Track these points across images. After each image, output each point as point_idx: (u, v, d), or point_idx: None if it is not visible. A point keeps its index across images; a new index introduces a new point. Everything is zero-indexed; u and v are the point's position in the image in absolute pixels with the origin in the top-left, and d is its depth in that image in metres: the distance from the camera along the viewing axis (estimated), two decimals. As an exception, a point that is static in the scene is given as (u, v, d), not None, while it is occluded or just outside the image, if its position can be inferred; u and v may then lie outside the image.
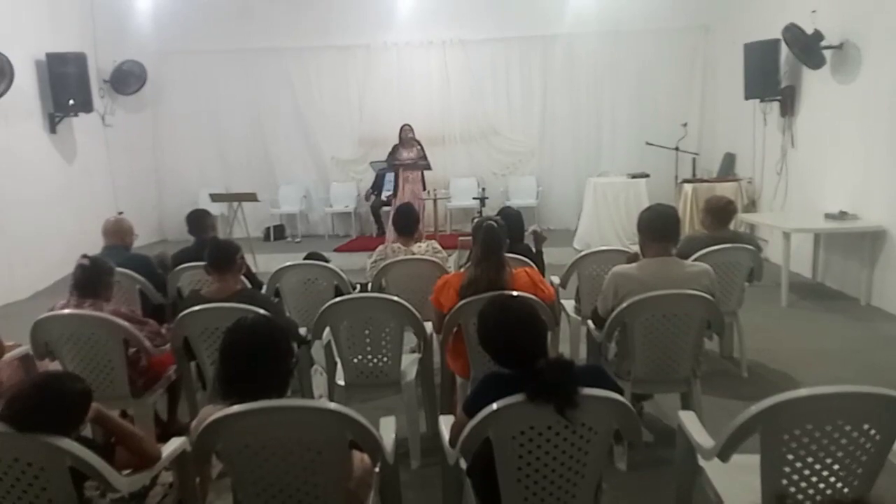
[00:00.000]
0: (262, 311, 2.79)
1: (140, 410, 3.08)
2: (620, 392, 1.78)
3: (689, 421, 2.06)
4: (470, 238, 3.06)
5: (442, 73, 9.19)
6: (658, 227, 2.88)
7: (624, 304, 2.73)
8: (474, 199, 8.31)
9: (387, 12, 9.02)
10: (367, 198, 9.18)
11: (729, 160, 8.06)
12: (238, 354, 1.84)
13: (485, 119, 9.32)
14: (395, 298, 3.04)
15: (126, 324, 2.92)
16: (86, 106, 7.75)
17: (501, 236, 2.91)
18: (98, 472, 1.73)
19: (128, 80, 8.65)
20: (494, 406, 1.70)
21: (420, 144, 8.19)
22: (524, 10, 8.96)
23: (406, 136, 8.13)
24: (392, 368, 3.13)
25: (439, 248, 4.11)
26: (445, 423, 2.14)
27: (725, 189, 7.05)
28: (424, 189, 7.74)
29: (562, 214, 9.25)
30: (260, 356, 1.84)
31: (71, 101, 7.56)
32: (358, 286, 4.12)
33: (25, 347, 3.16)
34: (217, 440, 1.74)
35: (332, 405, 1.76)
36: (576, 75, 9.10)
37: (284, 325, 2.15)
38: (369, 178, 9.32)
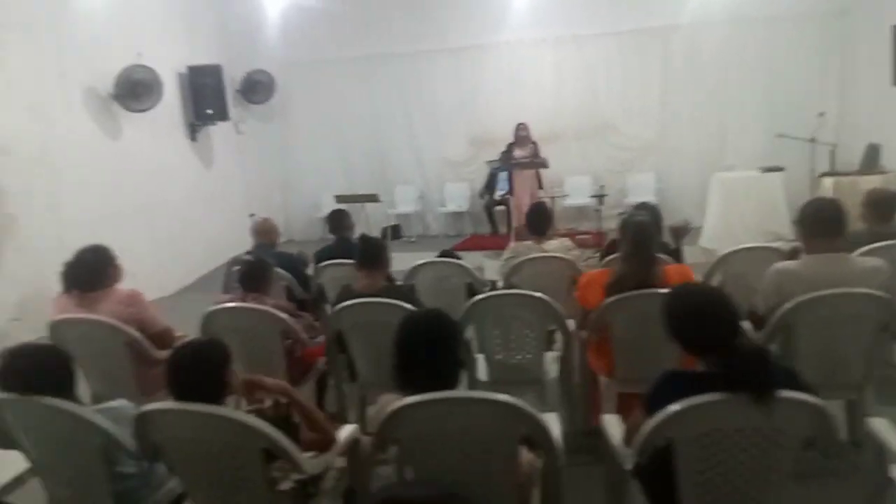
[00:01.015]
0: (407, 306, 2.88)
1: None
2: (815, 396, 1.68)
3: (883, 428, 1.92)
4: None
5: (555, 70, 9.09)
6: (824, 221, 2.71)
7: (790, 304, 2.58)
8: (592, 196, 8.17)
9: (500, 12, 9.02)
10: (480, 196, 9.24)
11: (872, 151, 7.44)
12: (416, 345, 1.90)
13: (599, 115, 9.13)
14: (540, 295, 3.03)
15: (286, 316, 3.10)
16: (222, 115, 8.30)
17: (652, 232, 2.85)
18: (289, 454, 1.84)
19: (256, 89, 9.16)
20: (679, 405, 1.66)
21: (534, 143, 8.16)
22: (640, 1, 8.71)
23: (520, 135, 8.14)
24: (534, 365, 3.13)
25: (572, 245, 4.07)
26: (610, 423, 2.11)
27: (871, 183, 6.51)
28: (541, 187, 7.69)
29: (683, 211, 8.85)
30: (437, 347, 1.89)
31: (209, 111, 8.11)
32: (490, 284, 4.16)
33: (193, 337, 3.42)
34: (397, 428, 1.81)
35: (510, 399, 1.78)
36: (698, 67, 8.72)
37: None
38: (481, 177, 9.37)
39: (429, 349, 1.89)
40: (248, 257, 3.24)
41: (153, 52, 7.27)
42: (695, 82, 8.77)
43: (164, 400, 3.19)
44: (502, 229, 8.87)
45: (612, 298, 2.79)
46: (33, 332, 5.97)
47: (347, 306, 3.00)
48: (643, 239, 2.79)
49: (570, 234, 7.62)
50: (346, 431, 2.19)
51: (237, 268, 4.28)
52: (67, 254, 6.19)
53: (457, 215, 9.63)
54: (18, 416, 2.06)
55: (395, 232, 9.68)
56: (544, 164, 7.62)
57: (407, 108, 9.71)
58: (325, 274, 4.22)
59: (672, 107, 8.91)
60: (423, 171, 9.86)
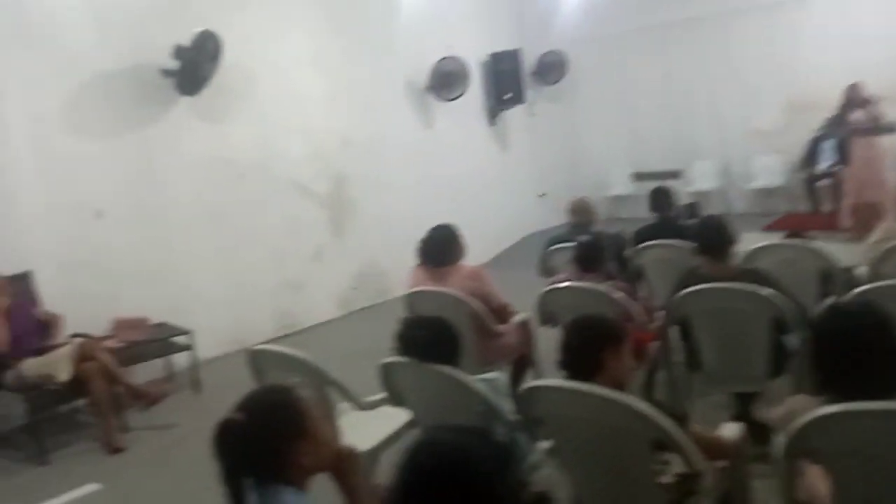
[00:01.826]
0: (771, 292, 2.58)
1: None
2: None
3: None
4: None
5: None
6: None
7: None
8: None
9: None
10: (800, 170, 8.14)
11: None
12: (849, 340, 1.64)
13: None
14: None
15: (622, 297, 3.01)
16: (519, 98, 8.53)
17: None
18: (682, 448, 1.73)
19: (550, 70, 9.23)
20: None
21: (873, 103, 6.92)
22: None
23: (856, 96, 6.96)
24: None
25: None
26: None
27: None
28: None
29: None
30: (877, 344, 1.61)
31: (508, 95, 8.40)
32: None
33: (528, 314, 3.54)
34: (818, 439, 1.58)
35: None
36: None
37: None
38: (798, 148, 8.25)
39: (865, 346, 1.61)
40: (584, 237, 3.21)
41: (461, 43, 7.73)
42: None
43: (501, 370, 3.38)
44: (826, 207, 7.74)
45: None
46: (367, 299, 6.92)
47: (695, 291, 2.80)
48: None
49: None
50: (729, 430, 2.02)
51: (555, 247, 4.36)
52: (395, 231, 7.03)
53: (766, 192, 8.66)
54: (411, 379, 2.28)
55: (692, 211, 9.05)
56: (892, 129, 6.41)
57: (708, 75, 8.95)
58: (647, 255, 4.04)
59: None
60: (725, 144, 9.03)
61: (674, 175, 7.34)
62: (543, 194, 9.75)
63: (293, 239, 6.17)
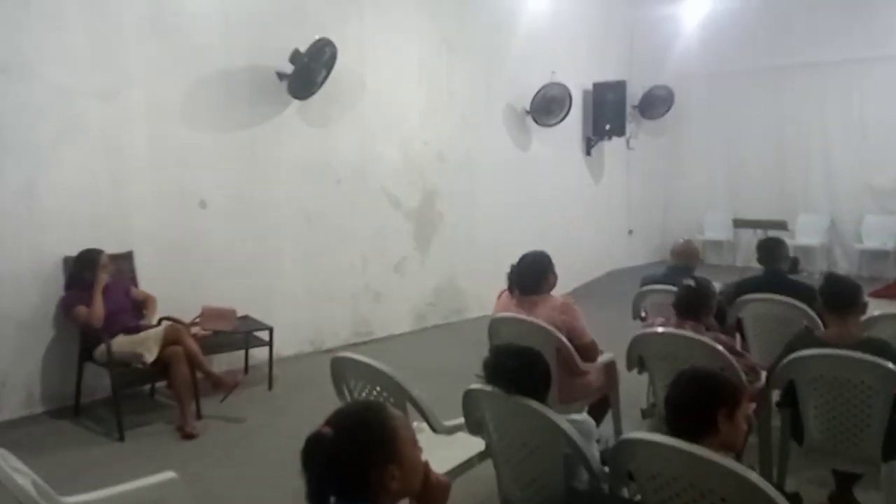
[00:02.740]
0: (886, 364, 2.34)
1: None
2: None
3: None
4: None
5: None
6: None
7: None
8: None
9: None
10: (917, 235, 7.57)
11: None
12: None
13: None
14: None
15: (724, 351, 2.81)
16: (619, 130, 8.35)
17: None
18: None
19: (655, 104, 9.00)
20: None
21: None
22: None
23: None
24: None
25: None
26: None
27: None
28: None
29: None
30: None
31: (608, 126, 8.22)
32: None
33: (613, 354, 3.38)
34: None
35: None
36: None
37: None
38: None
39: None
40: (690, 281, 3.03)
41: (565, 69, 7.64)
42: None
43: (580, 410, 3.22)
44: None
45: None
46: (442, 316, 6.87)
47: (812, 356, 2.57)
48: None
49: None
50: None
51: (649, 287, 4.17)
52: (478, 251, 6.97)
53: (876, 254, 8.08)
54: (494, 409, 2.19)
55: (793, 266, 8.54)
56: None
57: (824, 125, 8.49)
58: (750, 308, 3.79)
59: None
60: (835, 198, 8.52)
61: (780, 225, 6.92)
62: (631, 231, 9.48)
63: (378, 248, 6.21)
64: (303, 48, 5.05)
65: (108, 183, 4.50)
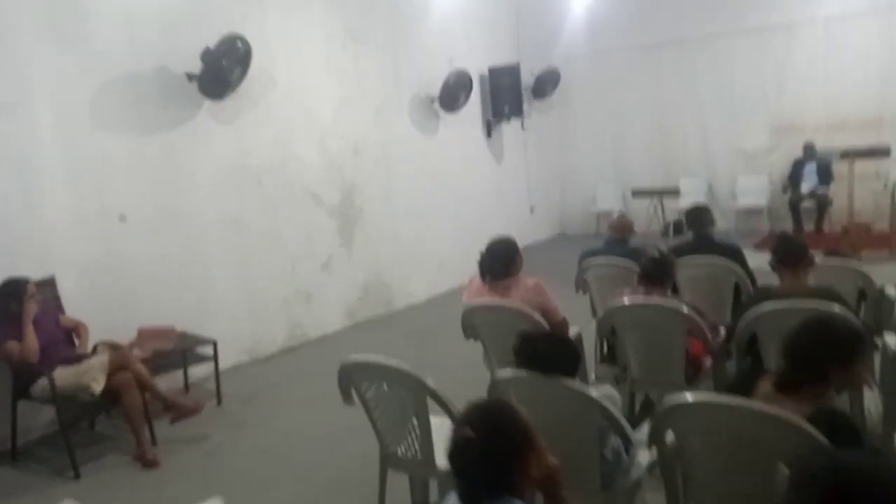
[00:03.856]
0: (844, 310, 2.70)
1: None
2: None
3: None
4: None
5: (888, 45, 7.96)
6: None
7: None
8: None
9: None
10: (783, 191, 8.49)
11: None
12: None
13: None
14: None
15: (693, 314, 3.09)
16: (517, 112, 8.65)
17: None
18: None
19: (545, 86, 9.38)
20: None
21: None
22: None
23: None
24: None
25: None
26: None
27: None
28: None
29: None
30: None
31: (506, 108, 8.50)
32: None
33: (577, 328, 3.59)
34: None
35: None
36: None
37: None
38: (782, 169, 8.63)
39: None
40: (654, 252, 3.29)
41: (462, 55, 7.81)
42: None
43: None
44: (808, 227, 8.11)
45: None
46: (371, 310, 6.86)
47: (770, 309, 2.89)
48: None
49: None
50: None
51: (590, 262, 4.44)
52: (399, 242, 7.02)
53: (751, 212, 8.98)
54: (527, 393, 2.30)
55: (677, 228, 9.32)
56: (886, 152, 6.76)
57: (697, 96, 9.26)
58: (684, 272, 4.14)
59: None
60: (711, 162, 9.35)
61: (673, 192, 7.51)
62: (532, 209, 9.89)
63: (305, 248, 6.09)
64: (212, 46, 4.82)
65: (20, 203, 4.09)
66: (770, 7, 8.48)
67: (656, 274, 3.21)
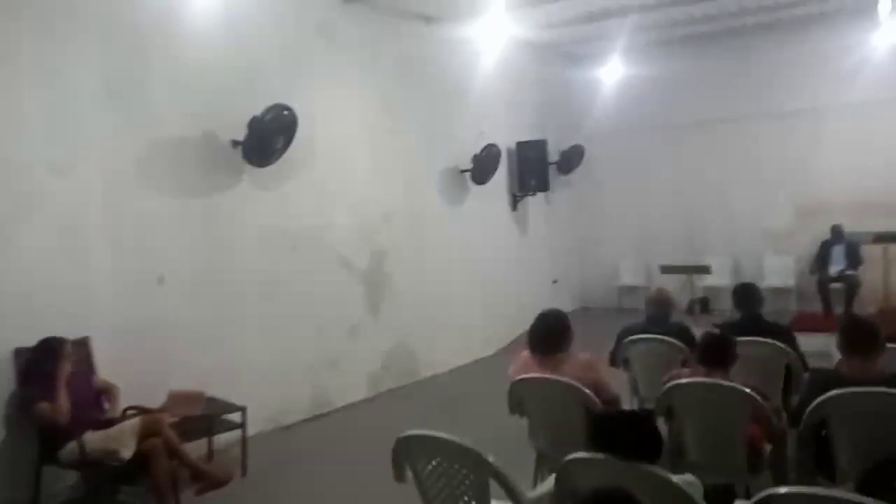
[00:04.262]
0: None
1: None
2: None
3: None
4: None
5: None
6: None
7: None
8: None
9: (843, 72, 8.30)
10: (811, 272, 8.42)
11: None
12: None
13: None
14: None
15: (758, 398, 2.98)
16: (543, 186, 8.73)
17: None
18: None
19: (570, 161, 9.51)
20: None
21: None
22: None
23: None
24: None
25: None
26: None
27: None
28: None
29: None
30: None
31: (533, 182, 8.59)
32: None
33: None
34: None
35: None
36: None
37: None
38: (806, 250, 8.60)
39: None
40: (715, 331, 3.20)
41: (492, 131, 7.96)
42: None
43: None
44: (838, 309, 7.99)
45: None
46: (395, 379, 6.72)
47: (837, 395, 2.78)
48: None
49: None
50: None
51: (633, 338, 4.34)
52: (424, 309, 6.95)
53: (778, 291, 8.88)
54: (602, 477, 2.17)
55: (703, 305, 9.21)
56: None
57: (719, 176, 9.36)
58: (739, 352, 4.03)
59: None
60: (736, 242, 9.35)
61: (703, 269, 7.47)
62: (555, 281, 9.83)
63: (333, 313, 6.03)
64: (258, 114, 4.92)
65: (65, 263, 4.08)
66: (798, 93, 8.64)
67: (717, 353, 3.11)
